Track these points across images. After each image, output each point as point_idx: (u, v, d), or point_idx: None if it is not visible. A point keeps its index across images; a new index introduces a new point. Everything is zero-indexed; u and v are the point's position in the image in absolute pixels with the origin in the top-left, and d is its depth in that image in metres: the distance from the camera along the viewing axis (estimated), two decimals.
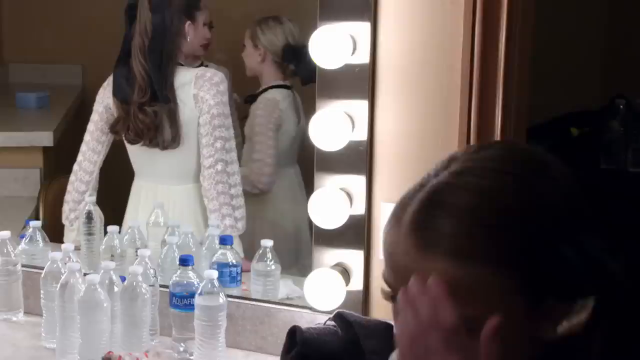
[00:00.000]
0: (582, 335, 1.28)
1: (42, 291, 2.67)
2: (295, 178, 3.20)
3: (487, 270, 1.25)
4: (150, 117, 2.89)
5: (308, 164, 2.87)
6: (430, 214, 1.28)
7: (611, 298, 1.29)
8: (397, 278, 1.31)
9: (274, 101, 3.16)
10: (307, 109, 3.08)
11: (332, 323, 2.33)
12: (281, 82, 3.17)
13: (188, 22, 2.95)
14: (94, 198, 2.97)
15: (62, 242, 2.99)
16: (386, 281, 1.35)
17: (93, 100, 3.10)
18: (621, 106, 4.01)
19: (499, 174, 1.30)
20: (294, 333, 2.35)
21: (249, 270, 2.78)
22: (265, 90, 3.19)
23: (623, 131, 3.97)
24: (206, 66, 3.03)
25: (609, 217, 1.48)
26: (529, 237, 1.27)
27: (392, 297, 1.33)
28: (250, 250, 2.86)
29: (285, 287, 2.78)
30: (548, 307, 1.28)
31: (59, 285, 2.56)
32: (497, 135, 2.37)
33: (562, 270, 1.27)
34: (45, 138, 3.41)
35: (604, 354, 1.31)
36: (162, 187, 3.00)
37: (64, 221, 3.11)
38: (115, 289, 2.57)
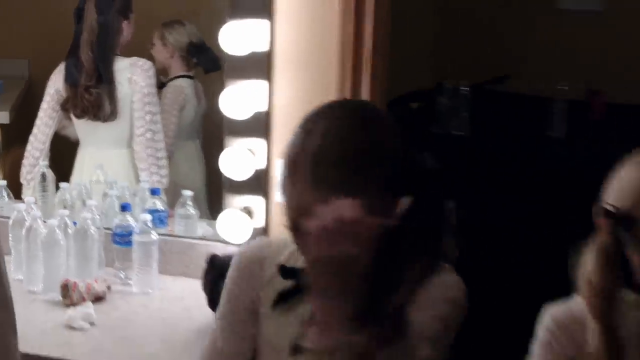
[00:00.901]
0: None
1: (10, 235, 2.64)
2: (195, 151, 3.13)
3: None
4: (95, 97, 2.85)
5: (210, 134, 2.88)
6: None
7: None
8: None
9: (180, 87, 3.09)
10: (210, 93, 3.05)
11: None
12: (185, 73, 3.11)
13: (125, 22, 2.90)
14: (46, 162, 2.93)
15: (19, 198, 2.94)
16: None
17: (39, 89, 3.04)
18: (447, 86, 4.08)
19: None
20: (213, 259, 2.38)
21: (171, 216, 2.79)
22: (173, 79, 3.12)
23: (450, 106, 4.04)
24: None
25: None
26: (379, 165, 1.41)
27: None
28: None
29: (201, 228, 2.78)
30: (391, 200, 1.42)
31: (24, 230, 2.54)
32: None
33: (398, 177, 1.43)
34: (2, 116, 3.29)
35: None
36: (102, 152, 2.95)
37: (22, 181, 3.04)
38: (70, 231, 2.56)
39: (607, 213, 1.60)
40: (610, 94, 4.16)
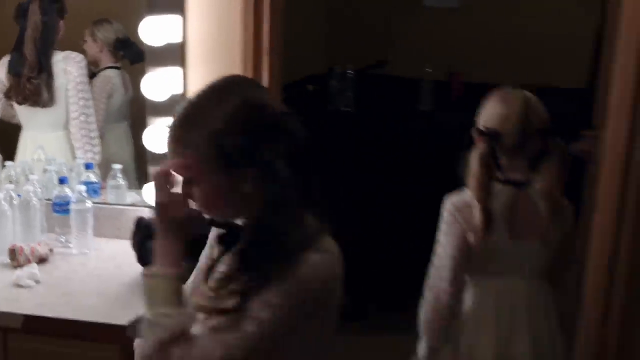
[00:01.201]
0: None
1: None
2: (124, 131, 3.00)
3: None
4: (35, 86, 2.74)
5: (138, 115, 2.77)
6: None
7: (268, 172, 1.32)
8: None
9: (108, 77, 2.98)
10: (136, 81, 2.94)
11: None
12: (113, 65, 2.99)
13: (61, 21, 2.79)
14: None
15: None
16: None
17: None
18: (337, 71, 4.08)
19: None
20: (139, 222, 2.29)
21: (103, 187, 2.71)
22: (102, 69, 3.00)
23: (339, 87, 4.04)
24: None
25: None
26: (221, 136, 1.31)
27: None
28: None
29: (130, 196, 2.70)
30: (239, 173, 1.31)
31: None
32: None
33: (240, 152, 1.30)
34: None
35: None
36: (42, 134, 2.82)
37: None
38: (15, 202, 2.47)
39: (481, 132, 2.02)
40: (466, 75, 4.25)
